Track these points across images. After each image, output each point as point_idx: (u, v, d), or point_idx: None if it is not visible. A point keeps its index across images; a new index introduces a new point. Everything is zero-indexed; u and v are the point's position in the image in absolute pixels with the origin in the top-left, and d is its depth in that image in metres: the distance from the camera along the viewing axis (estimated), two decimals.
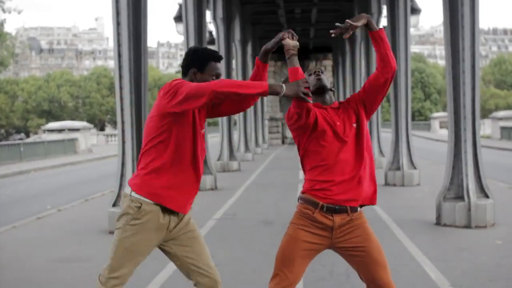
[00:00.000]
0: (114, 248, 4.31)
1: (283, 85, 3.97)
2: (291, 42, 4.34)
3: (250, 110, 30.91)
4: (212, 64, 4.30)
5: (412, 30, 20.86)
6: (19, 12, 67.32)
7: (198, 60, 4.29)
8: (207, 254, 4.39)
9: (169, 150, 4.14)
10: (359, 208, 4.26)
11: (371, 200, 4.31)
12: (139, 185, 4.24)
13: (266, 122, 45.09)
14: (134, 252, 4.26)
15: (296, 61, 4.22)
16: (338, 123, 4.20)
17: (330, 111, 4.27)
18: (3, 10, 52.79)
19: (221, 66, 4.42)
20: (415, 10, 21.31)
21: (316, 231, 4.15)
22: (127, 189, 4.37)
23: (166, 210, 4.24)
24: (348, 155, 4.15)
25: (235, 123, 29.85)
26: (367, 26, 4.35)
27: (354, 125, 4.23)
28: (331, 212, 4.13)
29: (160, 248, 4.46)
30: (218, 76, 4.30)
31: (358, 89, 29.42)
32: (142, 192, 4.22)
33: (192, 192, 4.29)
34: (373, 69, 23.11)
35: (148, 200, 4.20)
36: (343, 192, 4.12)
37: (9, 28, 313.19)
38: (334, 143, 4.16)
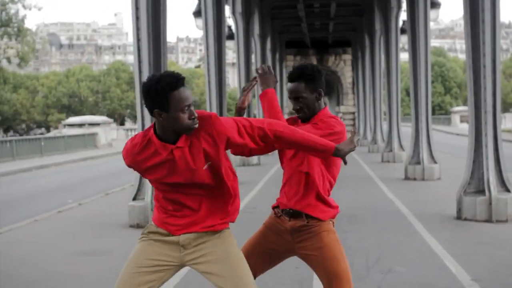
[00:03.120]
0: None
1: (340, 148, 3.68)
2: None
3: None
4: (175, 95, 3.34)
5: (432, 24, 20.79)
6: (40, 9, 67.72)
7: (156, 97, 3.35)
8: None
9: None
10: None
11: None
12: None
13: (286, 117, 45.00)
14: None
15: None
16: None
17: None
18: (24, 7, 53.10)
19: (188, 91, 3.40)
20: (435, 4, 21.19)
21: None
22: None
23: None
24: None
25: (254, 117, 29.81)
26: None
27: None
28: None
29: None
30: (189, 106, 3.37)
31: (377, 83, 29.39)
32: None
33: None
34: (393, 63, 23.06)
35: None
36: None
37: (29, 24, 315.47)
38: None
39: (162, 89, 3.31)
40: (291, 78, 4.05)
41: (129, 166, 3.61)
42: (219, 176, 3.56)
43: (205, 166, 3.50)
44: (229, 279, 3.52)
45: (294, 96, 4.05)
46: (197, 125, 3.41)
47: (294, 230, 4.02)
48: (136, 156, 3.53)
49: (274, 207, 4.22)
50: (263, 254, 4.11)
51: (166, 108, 3.34)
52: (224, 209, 3.68)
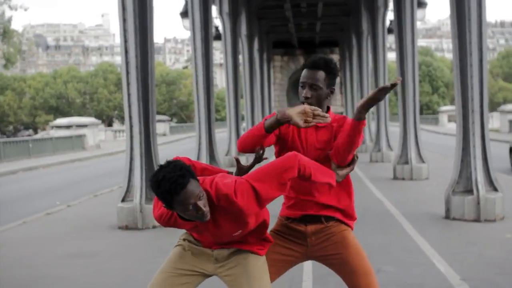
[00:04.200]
0: None
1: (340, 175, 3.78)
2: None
3: (257, 104, 30.88)
4: (176, 199, 3.24)
5: (419, 24, 20.88)
6: (26, 9, 67.47)
7: (161, 200, 3.29)
8: None
9: None
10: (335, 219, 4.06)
11: None
12: None
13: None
14: None
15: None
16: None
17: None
18: (10, 7, 52.84)
19: (191, 187, 3.24)
20: (422, 4, 21.27)
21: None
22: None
23: None
24: None
25: (243, 118, 29.84)
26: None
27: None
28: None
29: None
30: (194, 205, 3.28)
31: (365, 83, 29.41)
32: None
33: None
34: (380, 63, 23.04)
35: None
36: None
37: (15, 25, 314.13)
38: None
39: (163, 195, 3.24)
40: (313, 65, 3.87)
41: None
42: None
43: (236, 233, 3.55)
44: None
45: (311, 83, 3.86)
46: (206, 218, 3.33)
47: (313, 233, 3.96)
48: (165, 223, 3.60)
49: (283, 217, 4.13)
50: (271, 267, 3.98)
51: (173, 208, 3.30)
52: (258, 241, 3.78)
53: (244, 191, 3.36)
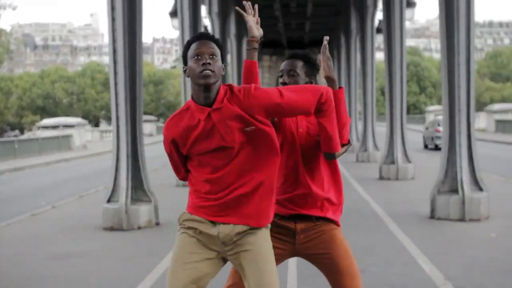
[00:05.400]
0: None
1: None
2: (257, 32, 3.97)
3: None
4: (192, 46, 3.48)
5: (407, 24, 20.88)
6: (14, 8, 67.20)
7: (183, 53, 3.55)
8: None
9: None
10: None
11: None
12: None
13: None
14: None
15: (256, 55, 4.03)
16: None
17: None
18: None
19: (209, 44, 3.48)
20: (411, 3, 21.31)
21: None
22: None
23: None
24: None
25: None
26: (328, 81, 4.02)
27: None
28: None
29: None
30: (198, 54, 3.43)
31: (353, 82, 29.46)
32: None
33: None
34: (369, 63, 23.09)
35: None
36: None
37: (3, 24, 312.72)
38: None
39: (186, 43, 3.50)
40: (291, 56, 4.08)
41: (172, 142, 3.58)
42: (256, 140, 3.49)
43: (248, 129, 3.46)
44: (254, 273, 3.52)
45: (288, 69, 4.02)
46: (208, 72, 3.39)
47: (302, 231, 3.95)
48: (178, 125, 3.53)
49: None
50: None
51: (186, 61, 3.50)
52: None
53: (266, 88, 3.55)
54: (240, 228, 3.53)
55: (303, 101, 3.55)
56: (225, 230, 3.53)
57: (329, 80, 3.92)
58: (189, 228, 3.59)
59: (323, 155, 3.90)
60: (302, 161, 3.91)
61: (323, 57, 3.95)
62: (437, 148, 29.75)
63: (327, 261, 3.94)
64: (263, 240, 3.58)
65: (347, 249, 3.97)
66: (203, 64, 3.41)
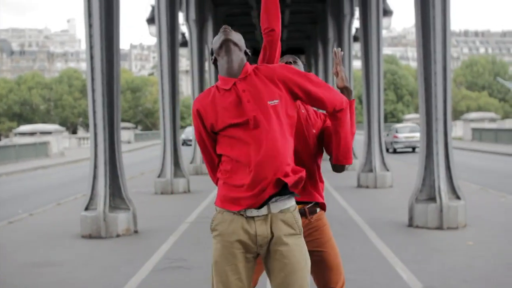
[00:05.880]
0: None
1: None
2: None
3: None
4: (215, 39, 3.59)
5: (384, 32, 21.04)
6: None
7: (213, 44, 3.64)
8: None
9: None
10: (318, 210, 4.09)
11: None
12: None
13: None
14: None
15: None
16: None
17: None
18: None
19: (235, 33, 3.65)
20: (387, 12, 21.47)
21: None
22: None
23: None
24: None
25: None
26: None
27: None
28: None
29: None
30: (222, 44, 3.52)
31: None
32: None
33: None
34: (346, 71, 23.23)
35: None
36: None
37: None
38: None
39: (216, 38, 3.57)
40: (290, 52, 4.28)
41: (198, 115, 3.55)
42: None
43: (272, 102, 3.44)
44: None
45: (294, 60, 4.21)
46: (228, 31, 3.55)
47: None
48: (205, 99, 3.55)
49: None
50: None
51: (215, 51, 3.58)
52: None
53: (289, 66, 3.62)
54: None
55: (329, 96, 3.57)
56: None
57: (347, 90, 3.87)
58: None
59: (333, 168, 3.96)
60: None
61: (339, 68, 3.91)
62: (395, 151, 37.10)
63: (318, 259, 3.99)
64: (298, 244, 3.55)
65: (335, 246, 4.09)
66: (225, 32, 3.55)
